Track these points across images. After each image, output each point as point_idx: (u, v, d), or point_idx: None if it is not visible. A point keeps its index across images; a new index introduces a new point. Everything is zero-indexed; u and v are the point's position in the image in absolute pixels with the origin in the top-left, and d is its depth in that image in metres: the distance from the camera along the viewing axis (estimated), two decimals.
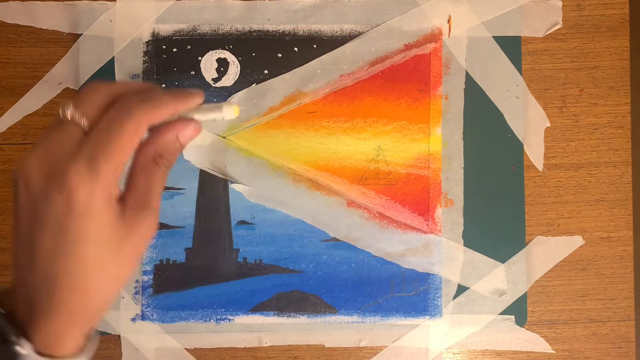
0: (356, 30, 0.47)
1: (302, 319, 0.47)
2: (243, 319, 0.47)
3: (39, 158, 0.26)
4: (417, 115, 0.47)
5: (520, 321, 0.47)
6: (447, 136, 0.47)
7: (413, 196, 0.47)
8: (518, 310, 0.47)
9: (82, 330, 0.28)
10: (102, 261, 0.27)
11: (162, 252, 0.47)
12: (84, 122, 0.26)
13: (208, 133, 0.47)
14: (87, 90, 0.27)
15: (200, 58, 0.47)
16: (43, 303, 0.27)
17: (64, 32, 0.47)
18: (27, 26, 0.47)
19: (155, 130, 0.28)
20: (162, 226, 0.47)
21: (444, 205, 0.47)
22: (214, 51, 0.47)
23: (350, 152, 0.47)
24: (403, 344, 0.47)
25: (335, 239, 0.47)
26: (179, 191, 0.47)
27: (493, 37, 0.47)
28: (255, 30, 0.47)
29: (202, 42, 0.47)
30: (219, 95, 0.47)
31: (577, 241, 0.47)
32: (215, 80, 0.47)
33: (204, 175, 0.47)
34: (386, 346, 0.47)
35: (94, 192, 0.25)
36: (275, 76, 0.47)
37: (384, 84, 0.47)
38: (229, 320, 0.47)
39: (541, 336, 0.47)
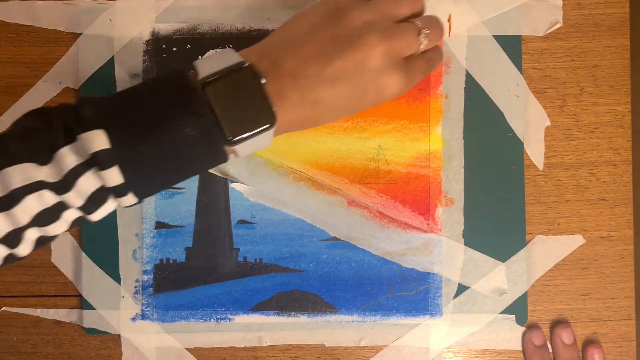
0: None
1: (302, 319, 0.47)
2: (243, 319, 0.47)
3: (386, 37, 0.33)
4: (417, 115, 0.47)
5: (521, 320, 0.47)
6: (448, 135, 0.47)
7: (413, 195, 0.47)
8: (518, 310, 0.47)
9: (287, 126, 0.33)
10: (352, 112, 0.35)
11: (162, 252, 0.47)
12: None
13: None
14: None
15: (200, 57, 0.47)
16: (290, 82, 0.32)
17: (64, 32, 0.47)
18: (27, 25, 0.47)
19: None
20: (162, 225, 0.47)
21: (444, 204, 0.47)
22: (214, 50, 0.47)
23: (351, 151, 0.47)
24: (403, 343, 0.47)
25: (335, 238, 0.47)
26: (179, 190, 0.47)
27: (493, 36, 0.47)
28: (255, 30, 0.47)
29: (202, 41, 0.47)
30: None
31: (578, 240, 0.47)
32: None
33: (204, 175, 0.47)
34: (386, 345, 0.47)
35: (406, 88, 0.35)
36: None
37: None
38: (229, 319, 0.47)
39: None
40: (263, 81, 0.31)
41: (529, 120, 0.47)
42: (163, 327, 0.47)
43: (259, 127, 0.31)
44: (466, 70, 0.47)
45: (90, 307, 0.47)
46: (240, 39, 0.47)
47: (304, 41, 0.33)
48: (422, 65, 0.36)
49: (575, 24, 0.48)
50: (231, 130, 0.30)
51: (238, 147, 0.31)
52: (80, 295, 0.47)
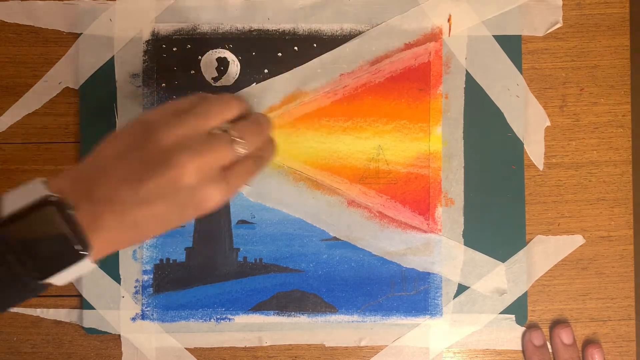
0: (356, 30, 0.47)
1: (302, 319, 0.47)
2: (243, 319, 0.47)
3: (198, 154, 0.32)
4: (417, 115, 0.47)
5: (521, 320, 0.47)
6: (448, 135, 0.47)
7: (413, 195, 0.47)
8: (518, 310, 0.47)
9: (111, 247, 0.33)
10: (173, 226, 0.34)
11: (162, 252, 0.47)
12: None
13: None
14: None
15: (200, 57, 0.47)
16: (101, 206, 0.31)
17: (64, 32, 0.47)
18: (27, 25, 0.47)
19: None
20: None
21: (444, 204, 0.47)
22: (214, 50, 0.47)
23: (351, 151, 0.47)
24: (403, 343, 0.47)
25: (335, 238, 0.47)
26: None
27: (493, 36, 0.47)
28: (255, 30, 0.47)
29: (202, 41, 0.47)
30: None
31: (578, 240, 0.47)
32: (215, 79, 0.47)
33: None
34: (386, 345, 0.47)
35: (228, 196, 0.34)
36: (276, 75, 0.47)
37: (384, 83, 0.47)
38: (229, 319, 0.47)
39: None
40: (71, 212, 0.30)
41: (528, 121, 0.47)
42: (163, 327, 0.47)
43: (71, 260, 0.30)
44: (466, 70, 0.47)
45: (91, 307, 0.47)
46: (240, 39, 0.47)
47: (114, 165, 0.32)
48: (246, 169, 0.36)
49: (575, 24, 0.48)
50: (40, 270, 0.30)
51: (53, 279, 0.31)
52: (80, 295, 0.47)
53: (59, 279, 0.31)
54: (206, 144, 0.33)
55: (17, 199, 0.30)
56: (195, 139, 0.33)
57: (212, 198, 0.33)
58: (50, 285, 0.31)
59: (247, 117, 0.37)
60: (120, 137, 0.33)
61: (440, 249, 0.47)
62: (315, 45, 0.47)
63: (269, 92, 0.47)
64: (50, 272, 0.30)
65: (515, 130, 0.47)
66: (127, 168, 0.32)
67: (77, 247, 0.30)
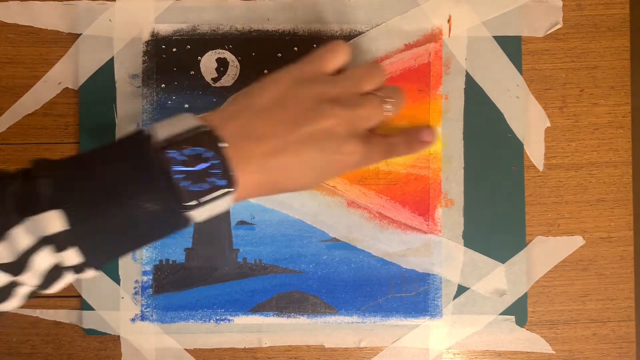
0: (356, 30, 0.47)
1: (302, 320, 0.47)
2: (243, 320, 0.47)
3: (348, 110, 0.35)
4: (417, 115, 0.47)
5: (521, 321, 0.47)
6: (447, 136, 0.47)
7: (413, 196, 0.47)
8: (518, 311, 0.47)
9: (251, 189, 0.33)
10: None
11: (162, 253, 0.47)
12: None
13: None
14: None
15: (199, 58, 0.47)
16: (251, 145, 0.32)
17: (64, 32, 0.47)
18: (27, 26, 0.47)
19: None
20: None
21: (444, 205, 0.47)
22: (214, 51, 0.47)
23: None
24: (403, 344, 0.47)
25: (335, 239, 0.47)
26: None
27: (493, 37, 0.47)
28: (255, 30, 0.47)
29: (201, 42, 0.47)
30: (219, 95, 0.47)
31: (578, 241, 0.47)
32: (215, 80, 0.47)
33: None
34: (386, 347, 0.47)
35: (366, 160, 0.37)
36: None
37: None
38: (229, 320, 0.47)
39: (541, 336, 0.47)
40: (223, 145, 0.31)
41: (528, 121, 0.47)
42: (162, 328, 0.47)
43: (216, 193, 0.30)
44: (466, 71, 0.47)
45: (90, 308, 0.47)
46: (239, 40, 0.47)
47: (273, 107, 0.34)
48: (384, 144, 0.39)
49: (575, 24, 0.47)
50: (188, 197, 0.30)
51: (195, 213, 0.31)
52: (79, 296, 0.47)
53: (201, 213, 0.31)
54: (360, 101, 0.36)
55: (171, 127, 0.30)
56: (350, 98, 0.36)
57: (355, 153, 0.36)
58: (189, 221, 0.31)
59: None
60: (278, 83, 0.35)
61: (440, 250, 0.47)
62: (315, 45, 0.47)
63: None
64: (198, 198, 0.30)
65: (515, 131, 0.47)
66: (285, 111, 0.34)
67: (224, 182, 0.30)
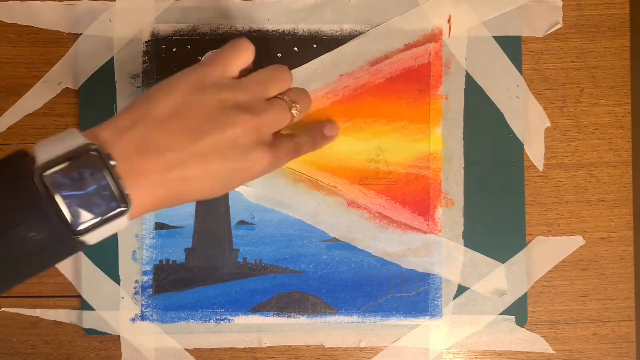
0: (356, 30, 0.47)
1: (302, 319, 0.47)
2: (243, 319, 0.47)
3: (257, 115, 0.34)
4: (417, 115, 0.47)
5: (521, 321, 0.47)
6: (447, 136, 0.47)
7: (413, 196, 0.47)
8: (518, 311, 0.47)
9: (150, 204, 0.31)
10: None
11: (162, 252, 0.47)
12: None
13: None
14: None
15: (200, 58, 0.47)
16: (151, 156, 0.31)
17: (64, 32, 0.47)
18: (27, 26, 0.47)
19: None
20: (162, 226, 0.47)
21: (444, 205, 0.47)
22: (214, 51, 0.47)
23: (351, 152, 0.47)
24: (403, 344, 0.47)
25: (335, 239, 0.47)
26: None
27: (493, 37, 0.47)
28: (254, 30, 0.47)
29: (201, 42, 0.47)
30: None
31: (578, 241, 0.47)
32: None
33: None
34: (386, 346, 0.47)
35: (273, 165, 0.36)
36: None
37: (384, 83, 0.47)
38: (229, 320, 0.47)
39: (541, 336, 0.47)
40: (112, 163, 0.29)
41: (528, 121, 0.47)
42: (162, 328, 0.47)
43: (108, 214, 0.29)
44: (466, 71, 0.47)
45: (90, 308, 0.47)
46: None
47: (172, 116, 0.32)
48: (291, 146, 0.39)
49: (575, 24, 0.47)
50: (77, 222, 0.28)
51: (87, 237, 0.29)
52: (79, 296, 0.47)
53: (94, 236, 0.29)
54: (265, 107, 0.35)
55: (54, 147, 0.29)
56: (256, 104, 0.34)
57: (262, 160, 0.34)
58: (83, 244, 0.29)
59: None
60: (174, 91, 0.32)
61: (440, 250, 0.47)
62: (315, 45, 0.47)
63: None
64: (86, 228, 0.28)
65: (515, 131, 0.47)
66: (187, 120, 0.32)
67: (115, 203, 0.29)
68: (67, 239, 0.28)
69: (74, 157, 0.28)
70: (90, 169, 0.28)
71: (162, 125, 0.31)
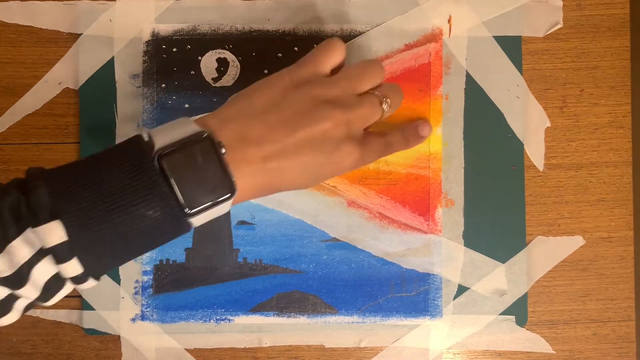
0: (356, 30, 0.47)
1: (302, 319, 0.47)
2: (243, 319, 0.47)
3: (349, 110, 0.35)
4: (417, 115, 0.47)
5: (521, 321, 0.47)
6: (448, 136, 0.47)
7: (413, 196, 0.47)
8: (518, 311, 0.47)
9: (248, 192, 0.33)
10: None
11: (162, 252, 0.47)
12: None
13: None
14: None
15: (200, 58, 0.47)
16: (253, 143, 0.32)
17: (64, 32, 0.47)
18: (27, 26, 0.47)
19: None
20: None
21: (444, 205, 0.47)
22: (214, 51, 0.47)
23: None
24: (403, 344, 0.47)
25: (335, 239, 0.47)
26: None
27: (493, 37, 0.47)
28: (255, 30, 0.47)
29: (202, 42, 0.47)
30: (219, 95, 0.47)
31: (578, 241, 0.47)
32: (215, 80, 0.47)
33: None
34: (386, 346, 0.47)
35: (362, 161, 0.37)
36: None
37: None
38: (229, 320, 0.47)
39: (541, 336, 0.47)
40: (223, 151, 0.31)
41: (529, 121, 0.47)
42: (163, 328, 0.47)
43: (217, 199, 0.31)
44: (466, 71, 0.47)
45: (90, 308, 0.47)
46: (240, 40, 0.47)
47: (271, 110, 0.34)
48: (381, 143, 0.39)
49: (575, 24, 0.47)
50: (190, 204, 0.30)
51: (195, 218, 0.31)
52: (79, 296, 0.47)
53: (200, 218, 0.31)
54: (357, 103, 0.35)
55: (170, 133, 0.30)
56: (348, 100, 0.35)
57: (352, 155, 0.35)
58: (191, 226, 0.31)
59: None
60: (275, 86, 0.35)
61: (440, 250, 0.47)
62: (315, 45, 0.47)
63: None
64: (198, 205, 0.30)
65: (515, 131, 0.47)
66: (283, 114, 0.33)
67: (224, 189, 0.31)
68: (180, 219, 0.30)
69: (188, 143, 0.30)
70: (203, 154, 0.30)
71: (261, 118, 0.33)
